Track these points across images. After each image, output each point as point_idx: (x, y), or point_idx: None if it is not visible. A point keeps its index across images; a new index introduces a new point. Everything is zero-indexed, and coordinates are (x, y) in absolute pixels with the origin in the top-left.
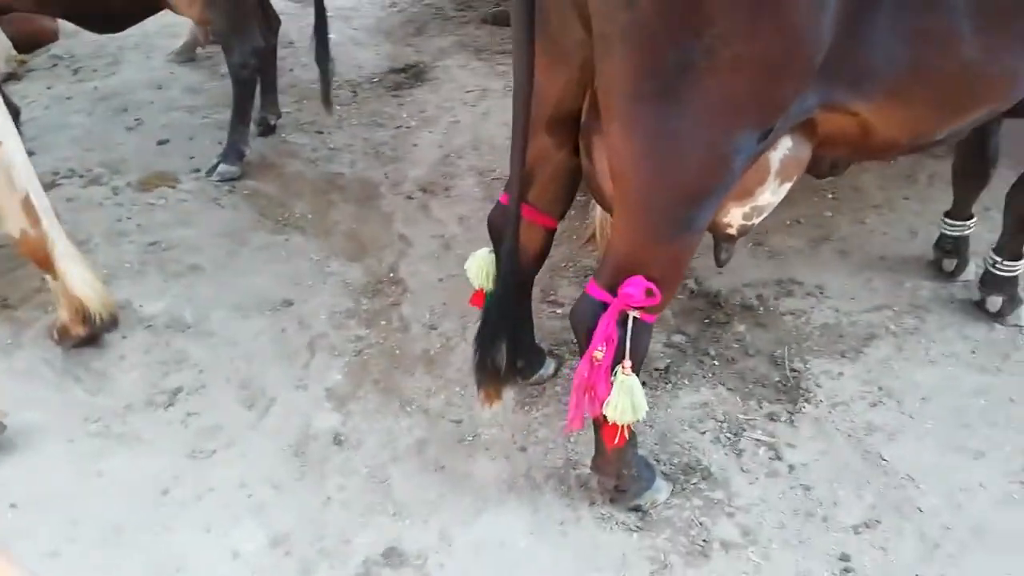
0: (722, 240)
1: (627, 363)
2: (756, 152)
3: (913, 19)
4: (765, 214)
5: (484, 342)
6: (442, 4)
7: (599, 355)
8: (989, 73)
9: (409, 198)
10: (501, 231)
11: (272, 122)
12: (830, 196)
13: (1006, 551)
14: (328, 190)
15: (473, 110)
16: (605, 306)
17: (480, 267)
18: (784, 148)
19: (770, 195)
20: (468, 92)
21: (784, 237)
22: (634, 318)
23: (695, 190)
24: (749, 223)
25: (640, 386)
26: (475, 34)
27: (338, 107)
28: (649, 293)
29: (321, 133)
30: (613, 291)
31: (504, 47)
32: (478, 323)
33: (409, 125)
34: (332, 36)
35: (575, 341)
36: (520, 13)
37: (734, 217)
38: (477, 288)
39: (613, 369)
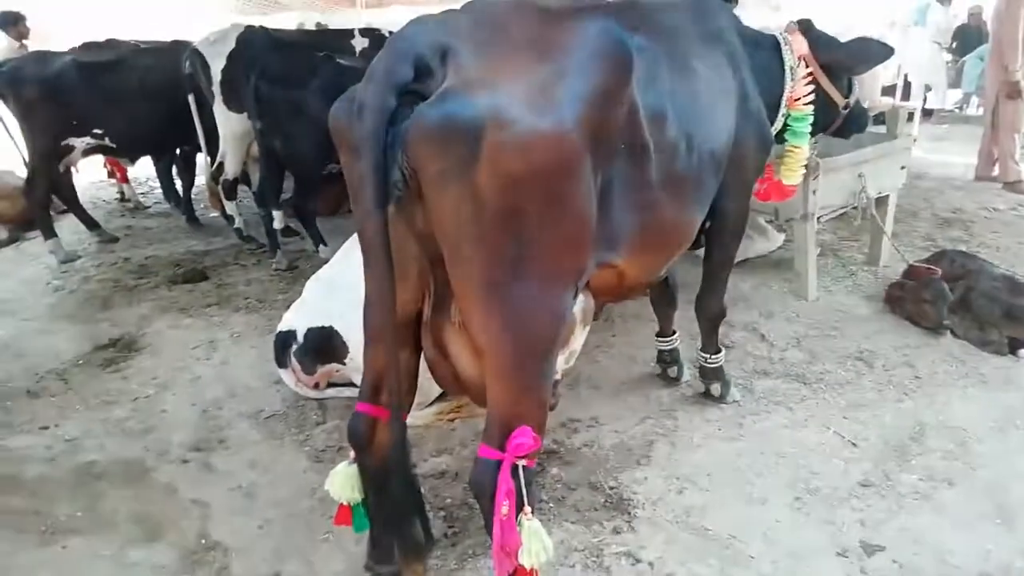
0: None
1: (528, 509)
2: (572, 307)
3: (632, 194)
4: (576, 356)
5: (399, 527)
6: (118, 276)
7: (505, 510)
8: (680, 224)
9: (185, 462)
10: (364, 439)
11: None
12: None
13: (812, 560)
14: (87, 482)
15: (210, 363)
16: (499, 464)
17: (344, 482)
18: (580, 302)
19: (579, 339)
20: (195, 348)
21: None
22: (523, 466)
23: (547, 343)
24: (569, 365)
25: (542, 527)
26: (170, 296)
27: (51, 398)
28: (534, 438)
29: (47, 428)
30: (503, 447)
31: (208, 301)
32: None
33: (147, 394)
34: (3, 332)
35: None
36: (377, 236)
37: (559, 364)
38: (344, 503)
39: (517, 519)
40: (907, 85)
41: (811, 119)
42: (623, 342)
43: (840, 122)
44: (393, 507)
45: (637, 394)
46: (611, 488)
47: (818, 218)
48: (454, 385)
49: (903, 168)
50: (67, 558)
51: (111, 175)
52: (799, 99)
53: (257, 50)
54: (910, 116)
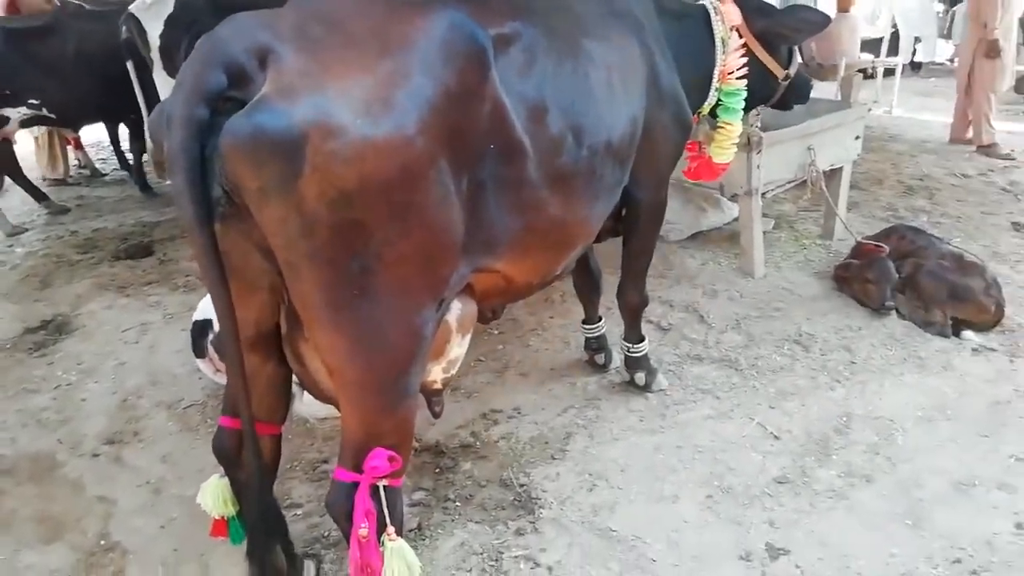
0: (432, 395)
1: (391, 529)
2: (438, 318)
3: (509, 196)
4: (459, 364)
5: (260, 558)
6: (62, 251)
7: (364, 532)
8: (572, 222)
9: (95, 456)
10: (231, 454)
11: None
12: (497, 332)
13: (714, 563)
14: None
15: (137, 347)
16: (356, 485)
17: (215, 494)
18: (456, 309)
19: (458, 348)
20: (125, 331)
21: (474, 376)
22: (384, 487)
23: (402, 362)
24: (449, 375)
25: (408, 546)
26: (111, 272)
27: None
28: (391, 460)
29: None
30: (359, 469)
31: (149, 278)
32: (246, 547)
33: (69, 381)
34: None
35: (326, 536)
36: (206, 255)
37: (436, 374)
38: (216, 517)
39: (380, 539)
40: (895, 37)
41: (744, 94)
42: (559, 324)
43: (780, 94)
44: (252, 526)
45: (563, 382)
46: (521, 486)
47: (764, 193)
48: (321, 396)
49: (857, 139)
50: None
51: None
52: (731, 72)
53: (196, 14)
54: (867, 75)
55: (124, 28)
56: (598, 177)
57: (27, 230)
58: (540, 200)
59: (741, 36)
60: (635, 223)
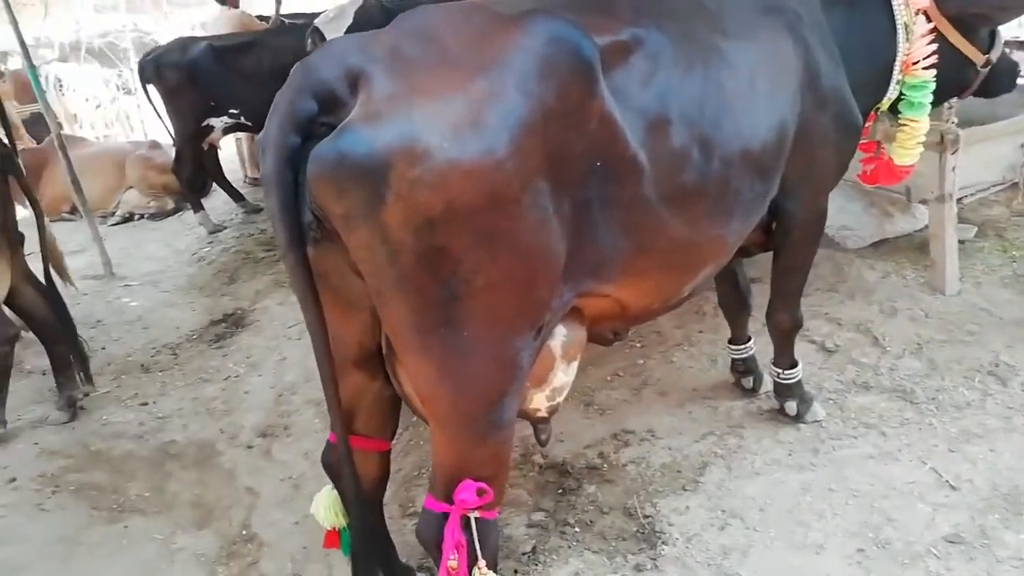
0: (538, 423)
1: (481, 563)
2: (536, 346)
3: (620, 215)
4: (566, 391)
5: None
6: (250, 248)
7: (454, 564)
8: (700, 241)
9: (249, 447)
10: (337, 469)
11: (79, 400)
12: (639, 345)
13: None
14: (163, 462)
15: (299, 343)
16: (446, 516)
17: (327, 506)
18: (561, 335)
19: (563, 376)
20: (291, 327)
21: (609, 392)
22: (476, 518)
23: (494, 392)
24: (554, 403)
25: None
26: None
27: (159, 372)
28: (481, 492)
29: (146, 404)
30: (449, 499)
31: None
32: (349, 563)
33: (237, 374)
34: (141, 303)
35: None
36: (298, 277)
37: (539, 402)
38: (328, 528)
39: (470, 572)
40: None
41: (931, 86)
42: (708, 340)
43: (978, 83)
44: (358, 542)
45: (705, 405)
46: (646, 517)
47: (960, 199)
48: (421, 416)
49: None
50: (125, 537)
51: None
52: (916, 62)
53: (374, 25)
54: None
55: (310, 40)
56: (733, 191)
57: (225, 228)
58: (658, 219)
59: (930, 20)
60: (786, 238)
